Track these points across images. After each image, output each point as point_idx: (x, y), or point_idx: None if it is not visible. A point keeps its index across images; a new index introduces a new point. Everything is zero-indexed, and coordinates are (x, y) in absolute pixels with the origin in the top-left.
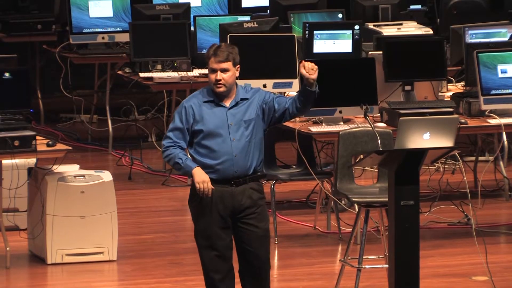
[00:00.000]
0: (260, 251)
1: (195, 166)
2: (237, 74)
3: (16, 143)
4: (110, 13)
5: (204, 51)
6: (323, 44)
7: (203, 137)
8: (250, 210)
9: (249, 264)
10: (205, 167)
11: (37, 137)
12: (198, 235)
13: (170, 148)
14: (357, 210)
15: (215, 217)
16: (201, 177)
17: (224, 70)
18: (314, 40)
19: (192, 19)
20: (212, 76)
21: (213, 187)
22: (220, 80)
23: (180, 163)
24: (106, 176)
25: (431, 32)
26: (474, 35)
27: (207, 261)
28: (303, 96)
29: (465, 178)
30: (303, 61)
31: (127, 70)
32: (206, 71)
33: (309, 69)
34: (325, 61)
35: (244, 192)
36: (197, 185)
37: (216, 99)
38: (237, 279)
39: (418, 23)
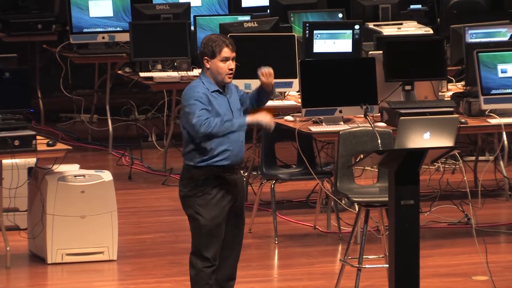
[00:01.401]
0: (238, 249)
1: (245, 117)
2: None
3: (16, 142)
4: (110, 13)
5: None
6: (323, 44)
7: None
8: (242, 201)
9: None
10: (222, 153)
11: (37, 137)
12: (207, 223)
13: (210, 118)
14: (357, 209)
15: (225, 207)
16: (263, 117)
17: (233, 59)
18: (314, 40)
19: (192, 19)
20: (225, 66)
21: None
22: (232, 69)
23: (229, 120)
24: (106, 175)
25: (431, 31)
26: (474, 35)
27: (214, 249)
28: (260, 96)
29: (465, 178)
30: (261, 68)
31: (127, 69)
32: None
33: (268, 75)
34: (325, 61)
35: (241, 181)
36: (267, 125)
37: (220, 88)
38: None
39: (418, 22)
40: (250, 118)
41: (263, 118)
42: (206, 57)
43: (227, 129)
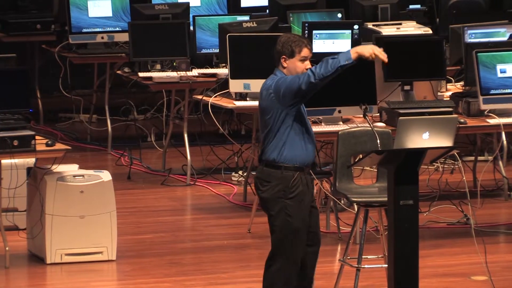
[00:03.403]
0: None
1: (348, 50)
2: None
3: (15, 142)
4: (109, 13)
5: (204, 50)
6: (322, 44)
7: (300, 116)
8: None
9: (314, 244)
10: (302, 146)
11: (36, 137)
12: (299, 225)
13: (314, 68)
14: (356, 210)
15: (306, 209)
16: (366, 47)
17: (310, 59)
18: (313, 40)
19: (191, 19)
20: (303, 65)
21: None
22: (309, 68)
23: (332, 58)
24: (105, 175)
25: (430, 31)
26: (473, 35)
27: (299, 251)
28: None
29: (464, 178)
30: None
31: (126, 69)
32: (205, 70)
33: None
34: None
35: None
36: (371, 52)
37: None
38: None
39: (417, 22)
40: (353, 51)
41: (366, 49)
42: (284, 56)
43: (334, 65)
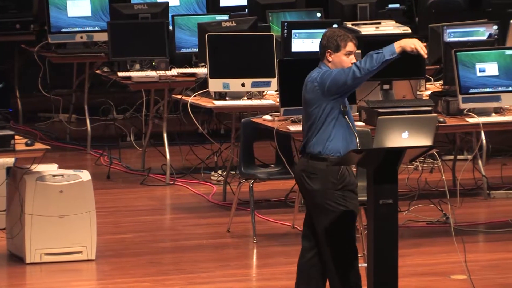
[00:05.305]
0: None
1: (392, 44)
2: None
3: None
4: (88, 13)
5: (183, 50)
6: (301, 43)
7: (345, 108)
8: None
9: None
10: (346, 137)
11: (16, 137)
12: (353, 211)
13: (353, 64)
14: None
15: (356, 194)
16: (409, 41)
17: (354, 54)
18: (292, 39)
19: (170, 18)
20: (348, 60)
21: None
22: (354, 63)
23: (376, 52)
24: (85, 175)
25: (410, 31)
26: (452, 34)
27: (354, 242)
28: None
29: (443, 177)
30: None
31: (105, 69)
32: (184, 70)
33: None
34: (303, 60)
35: None
36: (413, 47)
37: None
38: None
39: (396, 22)
40: (397, 45)
41: (409, 43)
42: (329, 50)
43: (380, 60)
